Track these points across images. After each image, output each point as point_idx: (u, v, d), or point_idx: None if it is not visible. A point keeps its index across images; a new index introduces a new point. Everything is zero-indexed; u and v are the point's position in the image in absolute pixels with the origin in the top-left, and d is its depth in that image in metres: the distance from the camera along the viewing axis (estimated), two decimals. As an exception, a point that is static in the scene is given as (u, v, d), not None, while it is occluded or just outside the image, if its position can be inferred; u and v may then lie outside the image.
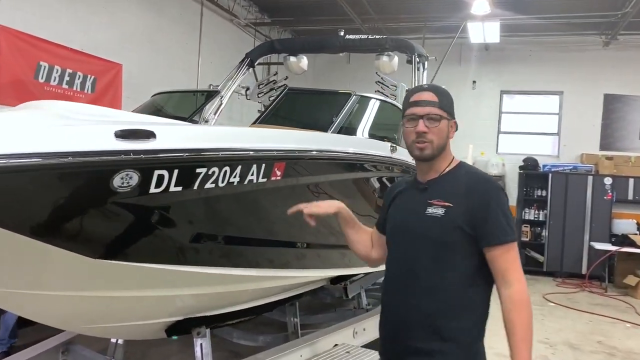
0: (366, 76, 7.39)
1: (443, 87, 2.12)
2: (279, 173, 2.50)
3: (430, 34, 10.56)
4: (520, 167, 11.12)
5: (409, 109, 2.02)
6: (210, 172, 2.22)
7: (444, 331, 1.92)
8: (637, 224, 10.29)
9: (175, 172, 2.07)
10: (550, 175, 10.64)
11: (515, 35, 10.71)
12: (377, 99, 4.28)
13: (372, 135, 3.96)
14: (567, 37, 10.80)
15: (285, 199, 2.67)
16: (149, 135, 1.96)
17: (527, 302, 1.91)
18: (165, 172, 2.03)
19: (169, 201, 2.16)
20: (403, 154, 3.88)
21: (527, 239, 10.79)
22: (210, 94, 4.95)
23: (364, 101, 4.12)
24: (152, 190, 2.03)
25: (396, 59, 6.10)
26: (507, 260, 1.91)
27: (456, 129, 2.09)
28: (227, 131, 2.48)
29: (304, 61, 6.50)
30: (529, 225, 10.87)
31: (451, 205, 1.93)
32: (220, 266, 2.53)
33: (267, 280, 3.11)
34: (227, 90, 5.84)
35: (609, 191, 10.18)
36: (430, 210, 1.96)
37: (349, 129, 3.82)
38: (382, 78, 6.03)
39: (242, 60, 6.36)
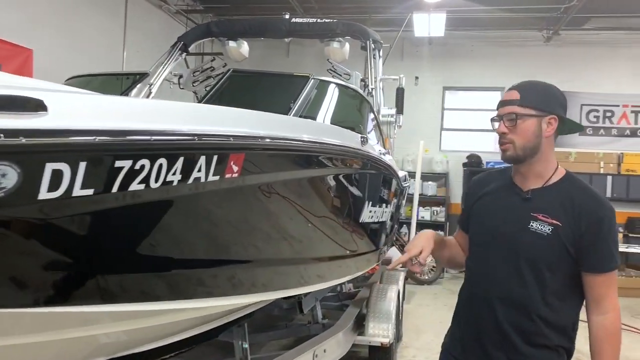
0: (306, 71, 6.85)
1: (538, 81, 2.01)
2: (235, 168, 1.82)
3: (374, 27, 10.07)
4: (464, 164, 10.93)
5: (497, 110, 1.96)
6: (137, 167, 1.52)
7: (533, 346, 1.86)
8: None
9: (82, 166, 1.36)
10: (493, 172, 10.49)
11: (458, 29, 10.49)
12: (339, 84, 3.69)
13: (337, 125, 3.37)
14: (509, 31, 10.71)
15: (242, 204, 2.02)
16: (35, 106, 1.23)
17: (619, 333, 1.86)
18: (64, 167, 1.32)
19: (72, 211, 1.43)
20: (373, 149, 3.31)
21: (472, 237, 10.60)
22: (137, 78, 4.16)
23: (324, 86, 3.51)
24: (43, 195, 1.30)
25: (347, 45, 5.55)
26: (606, 287, 1.85)
27: (573, 128, 2.02)
28: (163, 106, 1.72)
29: (244, 47, 5.80)
30: (473, 223, 10.68)
31: (559, 224, 1.82)
32: (152, 301, 1.82)
33: (208, 308, 2.43)
34: (157, 78, 5.05)
35: (550, 187, 10.13)
36: (534, 225, 1.84)
37: (308, 119, 3.19)
38: (333, 66, 5.46)
39: (175, 45, 5.58)
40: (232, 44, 5.71)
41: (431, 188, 10.89)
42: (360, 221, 3.59)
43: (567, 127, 2.00)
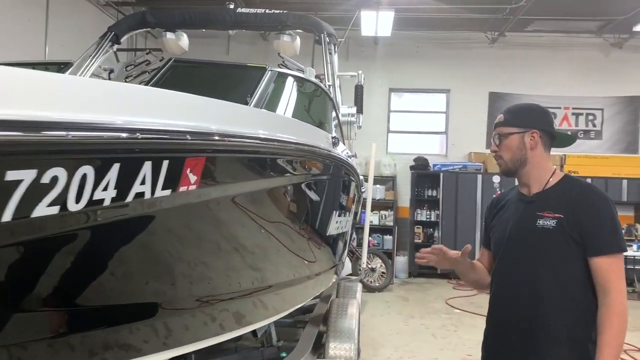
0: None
1: (524, 103, 2.30)
2: (192, 178, 1.31)
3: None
4: (411, 167, 10.74)
5: None
6: (44, 181, 0.99)
7: (561, 335, 1.98)
8: (524, 221, 10.37)
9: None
10: (441, 174, 10.38)
11: (404, 29, 10.29)
12: (298, 77, 3.24)
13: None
14: (455, 33, 10.63)
15: (199, 229, 1.52)
16: None
17: (624, 314, 1.91)
18: None
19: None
20: (342, 150, 2.87)
21: (420, 241, 10.42)
22: (61, 68, 3.53)
23: (282, 79, 3.03)
24: None
25: (299, 39, 5.10)
26: (610, 270, 1.94)
27: (542, 137, 2.09)
28: (68, 82, 1.22)
29: (184, 39, 5.22)
30: (421, 227, 10.51)
31: (562, 216, 1.98)
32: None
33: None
34: (84, 72, 4.40)
35: (497, 189, 10.11)
36: (540, 222, 2.01)
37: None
38: (284, 61, 4.98)
39: (104, 35, 4.93)
40: (170, 35, 5.11)
41: (379, 191, 10.62)
42: (328, 234, 3.14)
43: (559, 139, 2.19)
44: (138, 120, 1.17)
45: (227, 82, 2.92)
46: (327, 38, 4.79)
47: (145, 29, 5.42)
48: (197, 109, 1.51)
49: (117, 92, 1.24)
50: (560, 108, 10.83)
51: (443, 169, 10.51)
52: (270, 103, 2.85)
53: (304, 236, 2.80)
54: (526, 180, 2.11)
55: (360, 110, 4.67)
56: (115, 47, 5.02)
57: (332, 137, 2.70)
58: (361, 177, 6.00)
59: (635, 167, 10.19)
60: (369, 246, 10.43)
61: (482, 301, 8.61)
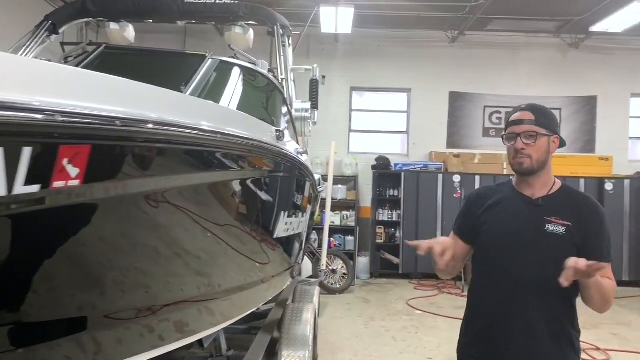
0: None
1: (541, 105, 2.23)
2: (73, 173, 1.06)
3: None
4: (373, 167, 10.61)
5: (509, 128, 2.17)
6: None
7: (556, 337, 2.10)
8: (485, 220, 10.36)
9: None
10: (402, 174, 10.28)
11: (365, 27, 10.17)
12: (245, 67, 3.01)
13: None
14: (416, 31, 10.57)
15: (124, 228, 1.29)
16: None
17: (614, 292, 2.09)
18: None
19: None
20: (289, 146, 2.64)
21: (382, 241, 10.31)
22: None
23: (226, 68, 2.79)
24: None
25: (252, 32, 4.86)
26: (609, 272, 2.08)
27: (561, 144, 2.19)
28: None
29: (129, 30, 4.92)
30: (383, 227, 10.39)
31: (570, 224, 2.07)
32: None
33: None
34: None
35: (457, 189, 10.09)
36: (550, 227, 2.09)
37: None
38: (236, 54, 4.73)
39: (40, 24, 4.59)
40: (114, 26, 4.81)
41: (341, 192, 10.44)
42: (276, 237, 2.91)
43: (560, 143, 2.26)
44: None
45: (163, 70, 2.66)
46: (280, 30, 4.57)
47: (86, 19, 5.08)
48: (99, 88, 1.27)
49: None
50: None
51: (404, 168, 10.42)
52: (212, 93, 2.61)
53: (249, 237, 2.57)
54: (536, 183, 2.17)
55: (315, 106, 4.46)
56: (54, 37, 4.69)
57: (277, 131, 2.47)
58: (318, 176, 5.80)
59: (593, 166, 10.33)
60: (330, 247, 10.28)
61: (443, 302, 8.58)
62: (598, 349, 5.89)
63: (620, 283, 9.70)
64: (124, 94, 1.40)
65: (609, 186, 9.96)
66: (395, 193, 10.40)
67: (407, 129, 11.12)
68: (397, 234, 10.31)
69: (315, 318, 5.01)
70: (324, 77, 11.00)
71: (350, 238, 10.36)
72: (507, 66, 10.85)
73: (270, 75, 3.55)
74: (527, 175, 2.15)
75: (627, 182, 9.99)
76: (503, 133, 2.23)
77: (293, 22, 8.69)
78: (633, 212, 9.93)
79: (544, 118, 2.16)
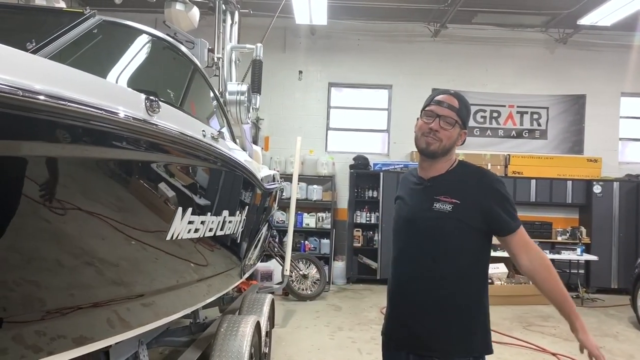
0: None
1: (463, 96, 2.24)
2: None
3: (248, 9, 8.97)
4: (351, 167, 10.09)
5: (430, 106, 2.19)
6: None
7: (450, 312, 2.13)
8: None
9: None
10: (381, 174, 9.77)
11: (342, 18, 9.67)
12: (142, 31, 2.47)
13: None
14: (396, 24, 10.09)
15: None
16: None
17: (552, 266, 2.15)
18: None
19: None
20: (170, 120, 2.09)
21: (359, 245, 9.80)
22: None
23: (114, 31, 2.27)
24: None
25: (196, 10, 4.34)
26: (523, 241, 2.14)
27: (463, 142, 2.25)
28: None
29: (194, 11, 4.40)
30: (360, 230, 9.88)
31: (458, 202, 2.12)
32: None
33: None
34: None
35: (439, 190, 9.59)
36: (437, 205, 2.14)
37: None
38: (175, 33, 4.21)
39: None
40: (179, 6, 4.33)
41: (316, 192, 9.92)
42: (177, 237, 2.41)
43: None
44: None
45: (23, 27, 2.13)
46: (222, 4, 4.05)
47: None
48: None
49: None
50: (505, 106, 10.41)
51: (384, 168, 9.91)
52: (83, 59, 2.08)
53: (146, 239, 2.08)
54: (429, 166, 2.22)
55: (257, 90, 3.93)
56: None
57: (147, 99, 1.90)
58: (272, 172, 5.28)
59: (580, 168, 9.86)
60: (304, 251, 9.76)
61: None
62: (580, 364, 5.38)
63: (609, 291, 9.25)
64: None
65: (597, 189, 9.49)
66: (374, 194, 9.89)
67: (388, 127, 10.61)
68: (376, 237, 9.80)
69: (265, 330, 4.49)
70: (300, 72, 10.57)
71: (325, 241, 9.84)
72: (493, 63, 10.38)
73: (187, 51, 3.04)
74: (429, 157, 2.17)
75: (616, 184, 9.53)
76: (423, 108, 2.21)
77: (265, 12, 8.24)
78: (622, 217, 9.46)
79: (465, 111, 2.19)
